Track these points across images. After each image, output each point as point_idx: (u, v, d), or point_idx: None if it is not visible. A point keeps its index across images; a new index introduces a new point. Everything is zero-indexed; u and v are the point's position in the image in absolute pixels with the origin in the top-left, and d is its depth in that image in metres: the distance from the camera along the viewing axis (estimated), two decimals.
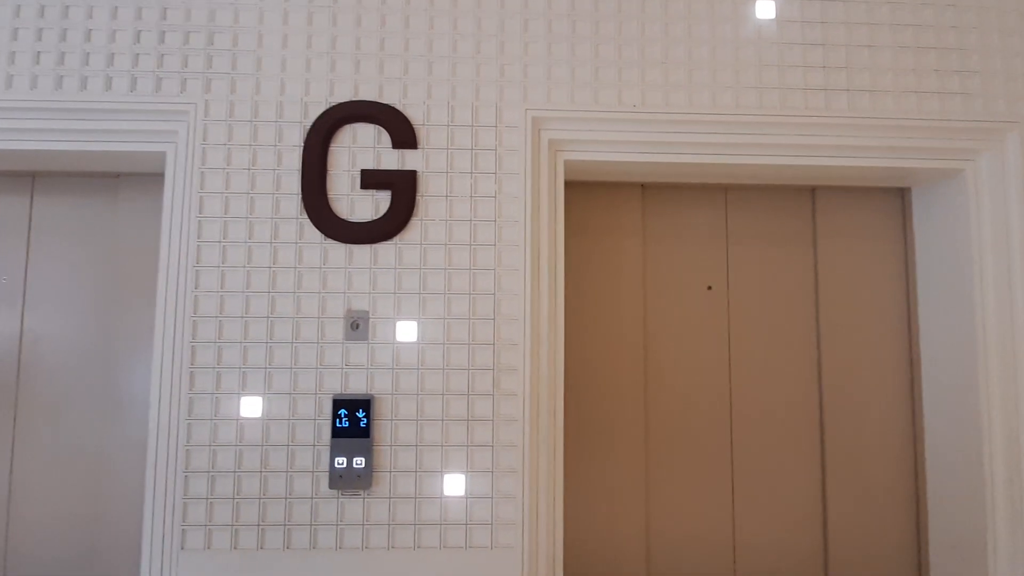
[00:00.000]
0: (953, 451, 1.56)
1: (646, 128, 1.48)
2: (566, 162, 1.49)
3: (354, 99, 1.43)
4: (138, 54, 1.42)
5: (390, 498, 1.35)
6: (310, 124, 1.41)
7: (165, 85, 1.42)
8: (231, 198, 1.39)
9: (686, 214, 1.72)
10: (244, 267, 1.38)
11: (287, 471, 1.34)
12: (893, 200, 1.74)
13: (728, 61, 1.49)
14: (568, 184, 1.61)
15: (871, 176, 1.61)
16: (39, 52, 1.41)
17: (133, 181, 1.60)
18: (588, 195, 1.68)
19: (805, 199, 1.74)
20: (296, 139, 1.41)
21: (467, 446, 1.37)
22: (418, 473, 1.36)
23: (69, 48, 1.42)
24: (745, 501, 1.65)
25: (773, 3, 1.51)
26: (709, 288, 1.70)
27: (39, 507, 1.54)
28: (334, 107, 1.41)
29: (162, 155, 1.44)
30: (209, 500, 1.33)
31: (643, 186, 1.71)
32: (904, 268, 1.71)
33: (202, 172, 1.40)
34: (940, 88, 1.51)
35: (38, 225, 1.62)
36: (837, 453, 1.66)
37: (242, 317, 1.37)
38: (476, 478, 1.36)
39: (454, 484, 1.36)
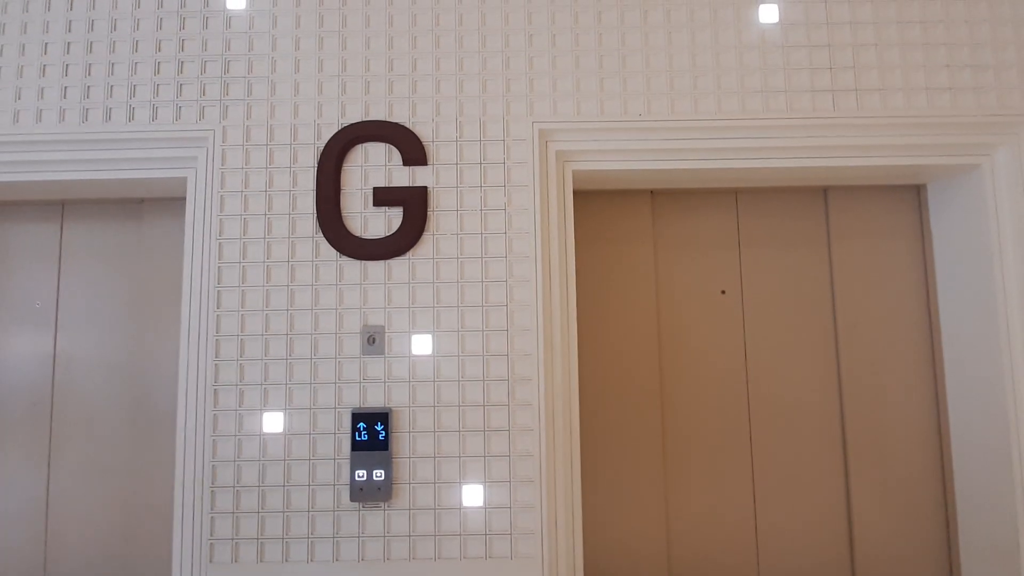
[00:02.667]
0: (980, 451, 1.52)
1: (653, 136, 1.48)
2: (574, 172, 1.51)
3: (365, 119, 1.46)
4: (158, 84, 1.48)
5: (410, 509, 1.37)
6: (323, 145, 1.45)
7: (184, 113, 1.47)
8: (249, 220, 1.44)
9: (697, 219, 1.72)
10: (263, 286, 1.42)
11: (309, 485, 1.37)
12: (908, 197, 1.71)
13: (732, 66, 1.49)
14: (577, 193, 1.62)
15: (884, 175, 1.60)
16: (65, 87, 1.48)
17: (156, 206, 1.66)
18: (598, 204, 1.69)
19: (818, 200, 1.72)
20: (310, 160, 1.45)
21: (484, 456, 1.38)
22: (437, 484, 1.38)
23: (93, 82, 1.48)
24: (767, 509, 1.63)
25: (776, 7, 1.51)
26: (723, 293, 1.69)
27: (75, 521, 1.60)
28: (346, 128, 1.45)
29: (183, 180, 1.50)
30: (235, 514, 1.36)
31: (652, 193, 1.71)
32: (923, 266, 1.69)
33: (221, 196, 1.44)
34: (951, 84, 1.49)
35: (68, 250, 1.68)
36: (860, 456, 1.63)
37: (262, 335, 1.41)
38: (494, 488, 1.38)
39: (473, 495, 1.37)
